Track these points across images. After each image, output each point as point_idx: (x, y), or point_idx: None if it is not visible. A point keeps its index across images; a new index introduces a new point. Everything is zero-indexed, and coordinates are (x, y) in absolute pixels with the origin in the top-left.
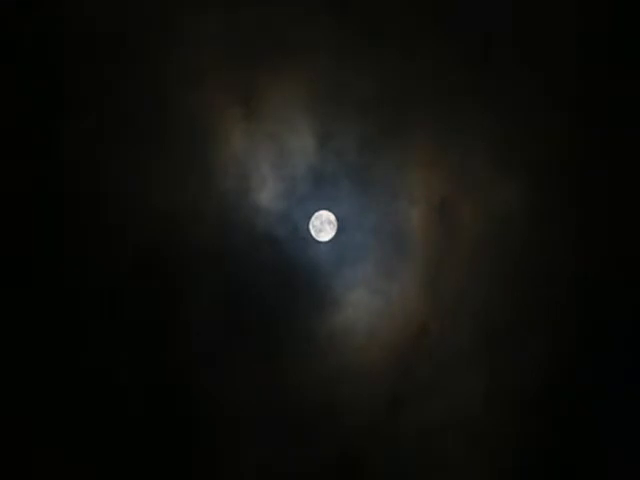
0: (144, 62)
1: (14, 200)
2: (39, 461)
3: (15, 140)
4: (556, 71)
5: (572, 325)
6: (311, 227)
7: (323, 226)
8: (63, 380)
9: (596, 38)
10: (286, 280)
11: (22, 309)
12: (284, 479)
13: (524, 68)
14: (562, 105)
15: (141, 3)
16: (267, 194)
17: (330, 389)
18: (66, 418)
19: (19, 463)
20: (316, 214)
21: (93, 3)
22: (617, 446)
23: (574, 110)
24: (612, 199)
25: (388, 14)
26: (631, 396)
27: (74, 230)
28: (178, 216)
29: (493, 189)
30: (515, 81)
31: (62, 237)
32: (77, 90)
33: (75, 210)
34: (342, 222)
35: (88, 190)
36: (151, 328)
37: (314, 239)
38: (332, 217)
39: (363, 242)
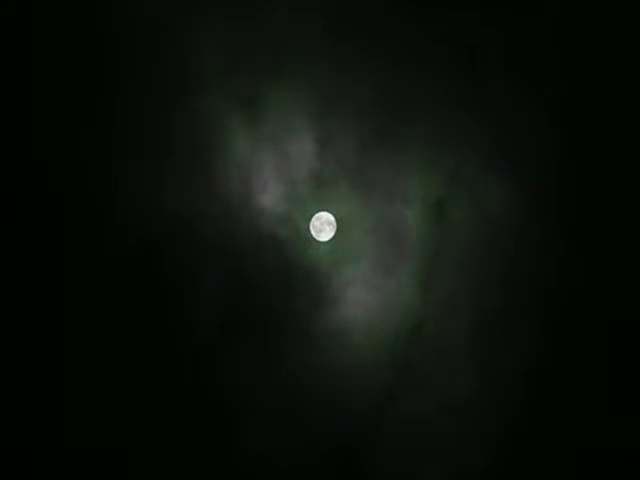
0: (150, 68)
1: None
2: None
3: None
4: (542, 78)
5: (561, 321)
6: (311, 227)
7: (323, 226)
8: (69, 374)
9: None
10: (287, 278)
11: (29, 304)
12: (285, 469)
13: (515, 75)
14: (552, 110)
15: (145, 10)
16: (269, 196)
17: (329, 384)
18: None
19: None
20: (316, 215)
21: (98, 11)
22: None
23: (564, 114)
24: (604, 201)
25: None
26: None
27: (84, 228)
28: (184, 217)
29: (486, 191)
30: (507, 87)
31: (72, 234)
32: (86, 96)
33: (86, 209)
34: (341, 223)
35: (99, 190)
36: (156, 324)
37: (314, 239)
38: (332, 218)
39: (361, 242)
